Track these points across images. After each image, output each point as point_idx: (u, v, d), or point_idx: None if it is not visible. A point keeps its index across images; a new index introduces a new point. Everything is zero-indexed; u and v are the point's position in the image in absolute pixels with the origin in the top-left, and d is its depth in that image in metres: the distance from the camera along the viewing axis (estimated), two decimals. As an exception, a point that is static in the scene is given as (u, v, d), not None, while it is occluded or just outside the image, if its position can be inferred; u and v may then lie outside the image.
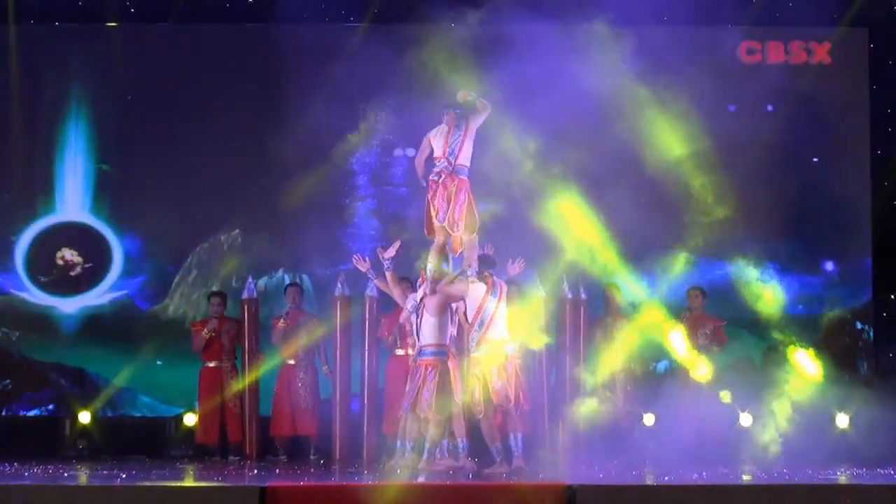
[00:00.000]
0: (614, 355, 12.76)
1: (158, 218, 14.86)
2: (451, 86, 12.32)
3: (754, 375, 13.49)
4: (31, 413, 14.61)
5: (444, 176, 11.38)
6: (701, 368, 12.88)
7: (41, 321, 14.75)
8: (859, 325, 14.61)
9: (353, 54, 14.51)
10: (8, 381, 14.72)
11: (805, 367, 12.75)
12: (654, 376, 13.63)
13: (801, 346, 12.88)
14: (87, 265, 14.81)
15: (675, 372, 13.24)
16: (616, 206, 13.08)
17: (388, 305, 13.56)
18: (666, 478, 10.55)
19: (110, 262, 14.82)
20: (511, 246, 12.15)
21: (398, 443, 12.02)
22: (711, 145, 13.65)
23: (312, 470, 11.99)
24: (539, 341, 12.80)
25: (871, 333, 14.61)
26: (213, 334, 13.44)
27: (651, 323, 12.61)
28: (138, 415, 14.53)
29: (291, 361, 13.48)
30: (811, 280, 14.73)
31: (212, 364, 13.56)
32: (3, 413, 14.61)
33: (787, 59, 14.99)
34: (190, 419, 13.93)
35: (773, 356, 13.34)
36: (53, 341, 14.74)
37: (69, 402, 14.30)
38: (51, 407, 14.56)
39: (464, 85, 11.63)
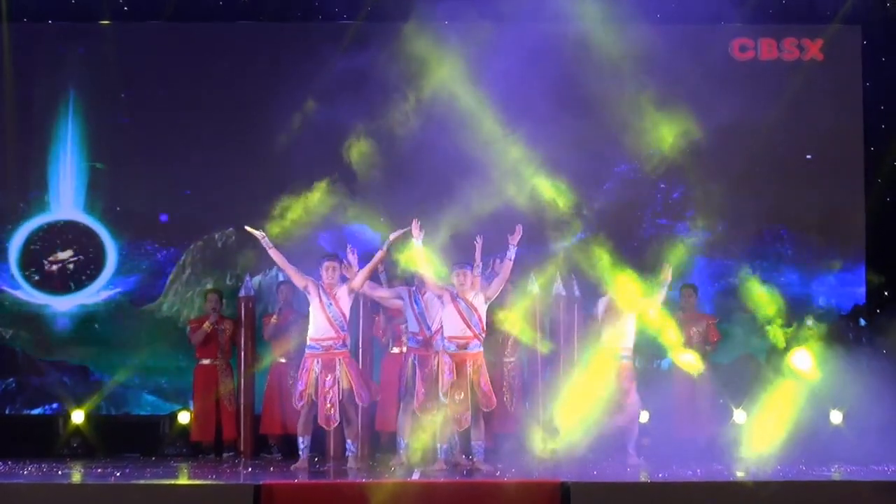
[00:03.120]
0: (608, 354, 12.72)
1: (152, 216, 14.87)
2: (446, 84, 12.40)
3: (757, 373, 13.43)
4: (35, 412, 14.61)
5: None
6: (695, 365, 12.87)
7: (36, 320, 14.74)
8: (862, 322, 14.60)
9: (348, 53, 14.52)
10: (12, 379, 14.73)
11: (802, 364, 12.76)
12: (657, 374, 13.58)
13: (800, 345, 12.88)
14: (79, 263, 14.80)
15: (675, 369, 13.23)
16: (609, 204, 13.09)
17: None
18: (660, 475, 10.57)
19: (104, 261, 14.80)
20: (504, 244, 12.17)
21: (400, 441, 12.07)
22: (704, 142, 13.65)
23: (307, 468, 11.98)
24: (532, 339, 12.84)
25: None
26: (214, 327, 13.44)
27: (647, 321, 12.59)
28: (143, 413, 14.52)
29: (283, 360, 13.47)
30: (806, 278, 14.74)
31: (206, 362, 13.57)
32: (7, 412, 14.61)
33: (780, 56, 14.99)
34: (184, 417, 13.93)
35: (774, 354, 13.29)
36: (50, 340, 14.72)
37: (71, 400, 14.27)
38: (55, 406, 14.55)
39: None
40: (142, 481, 10.34)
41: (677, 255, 12.92)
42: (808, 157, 14.94)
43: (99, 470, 11.62)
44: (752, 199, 14.59)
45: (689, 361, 12.76)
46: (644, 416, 13.36)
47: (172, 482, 10.54)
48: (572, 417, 11.86)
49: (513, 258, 11.52)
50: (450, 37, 13.24)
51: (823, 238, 14.71)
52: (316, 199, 12.57)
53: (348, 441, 12.04)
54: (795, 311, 13.39)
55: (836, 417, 13.43)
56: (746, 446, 12.34)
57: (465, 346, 11.48)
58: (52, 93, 14.89)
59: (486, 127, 12.72)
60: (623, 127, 13.55)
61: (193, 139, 14.80)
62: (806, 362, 12.77)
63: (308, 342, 11.82)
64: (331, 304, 11.74)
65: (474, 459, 11.54)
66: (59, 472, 11.29)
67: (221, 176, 14.71)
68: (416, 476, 10.83)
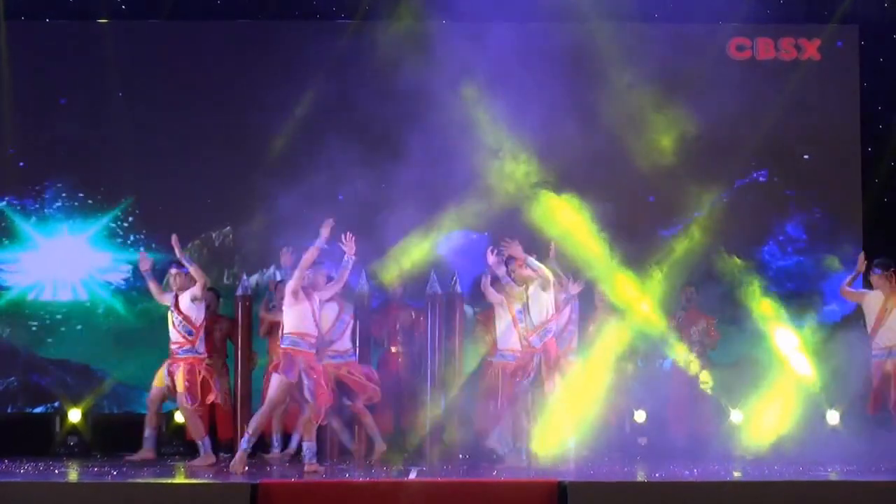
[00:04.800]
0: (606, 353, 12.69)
1: (149, 215, 14.87)
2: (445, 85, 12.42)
3: (759, 373, 13.36)
4: (38, 410, 14.60)
5: None
6: (695, 366, 12.87)
7: (36, 318, 14.76)
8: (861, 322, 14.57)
9: (345, 51, 14.54)
10: (13, 378, 14.74)
11: (799, 365, 12.77)
12: (656, 374, 13.54)
13: (799, 345, 12.88)
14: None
15: (675, 369, 13.22)
16: (605, 203, 13.07)
17: (378, 302, 13.56)
18: (657, 474, 10.57)
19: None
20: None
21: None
22: (701, 142, 13.66)
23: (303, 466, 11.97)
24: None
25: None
26: (205, 323, 13.41)
27: (645, 320, 12.59)
28: (145, 412, 14.51)
29: (279, 358, 13.46)
30: (804, 277, 14.74)
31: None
32: (9, 410, 14.61)
33: (777, 56, 15.00)
34: (181, 416, 13.89)
35: (774, 354, 13.25)
36: (51, 338, 14.72)
37: (73, 399, 14.26)
38: (56, 404, 14.53)
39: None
40: (138, 480, 10.33)
41: (677, 253, 12.93)
42: (806, 157, 14.94)
43: (95, 469, 11.61)
44: (748, 199, 14.59)
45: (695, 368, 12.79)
46: (641, 416, 13.37)
47: (169, 481, 10.52)
48: (569, 417, 11.83)
49: (349, 267, 11.82)
50: (448, 35, 13.26)
51: (821, 238, 14.71)
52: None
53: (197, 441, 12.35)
54: (795, 312, 13.36)
55: (832, 417, 13.42)
56: (743, 441, 12.39)
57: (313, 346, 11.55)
58: (49, 91, 14.88)
59: (482, 127, 12.73)
60: (619, 125, 13.55)
61: (191, 137, 14.80)
62: (804, 366, 12.79)
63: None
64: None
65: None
66: (56, 471, 11.27)
67: (219, 174, 14.70)
68: (413, 475, 10.82)
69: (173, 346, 12.23)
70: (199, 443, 12.36)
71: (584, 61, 13.51)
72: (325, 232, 11.45)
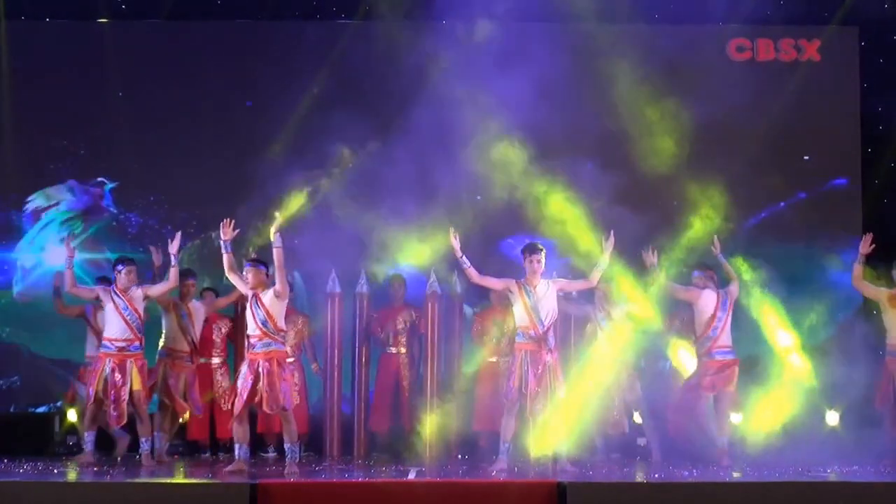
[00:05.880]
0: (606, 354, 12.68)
1: (148, 214, 14.87)
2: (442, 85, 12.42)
3: (759, 373, 13.34)
4: (40, 409, 14.60)
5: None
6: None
7: (37, 317, 14.75)
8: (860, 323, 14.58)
9: (346, 52, 14.55)
10: (16, 377, 14.73)
11: (799, 365, 12.77)
12: (657, 374, 13.52)
13: (799, 347, 12.88)
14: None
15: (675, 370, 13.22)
16: (605, 204, 13.08)
17: (379, 302, 13.57)
18: (656, 475, 10.58)
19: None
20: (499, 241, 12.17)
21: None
22: (701, 143, 13.66)
23: (304, 467, 11.98)
24: None
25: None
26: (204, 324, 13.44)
27: (646, 321, 12.59)
28: (149, 411, 14.54)
29: (283, 358, 13.45)
30: (803, 279, 14.73)
31: (203, 361, 13.54)
32: (12, 409, 14.61)
33: (777, 57, 15.00)
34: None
35: (774, 354, 13.23)
36: (52, 338, 14.73)
37: (70, 398, 14.24)
38: (58, 404, 14.52)
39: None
40: (138, 480, 10.34)
41: (675, 255, 12.93)
42: (806, 157, 14.95)
43: (95, 468, 11.61)
44: (748, 200, 14.58)
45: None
46: (638, 417, 13.37)
47: (169, 481, 10.53)
48: (571, 418, 11.81)
49: (280, 245, 11.35)
50: (447, 35, 13.27)
51: (821, 239, 14.70)
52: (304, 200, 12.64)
53: (142, 438, 12.30)
54: (793, 311, 13.35)
55: (832, 418, 13.43)
56: (743, 442, 12.38)
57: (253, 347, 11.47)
58: (49, 91, 14.87)
59: (483, 130, 12.74)
60: (618, 126, 13.55)
61: (192, 137, 14.80)
62: (804, 366, 12.80)
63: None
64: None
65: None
66: (55, 471, 11.27)
67: (219, 174, 14.70)
68: (413, 475, 10.82)
69: (121, 343, 12.12)
70: (144, 439, 12.32)
71: (584, 61, 13.50)
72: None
